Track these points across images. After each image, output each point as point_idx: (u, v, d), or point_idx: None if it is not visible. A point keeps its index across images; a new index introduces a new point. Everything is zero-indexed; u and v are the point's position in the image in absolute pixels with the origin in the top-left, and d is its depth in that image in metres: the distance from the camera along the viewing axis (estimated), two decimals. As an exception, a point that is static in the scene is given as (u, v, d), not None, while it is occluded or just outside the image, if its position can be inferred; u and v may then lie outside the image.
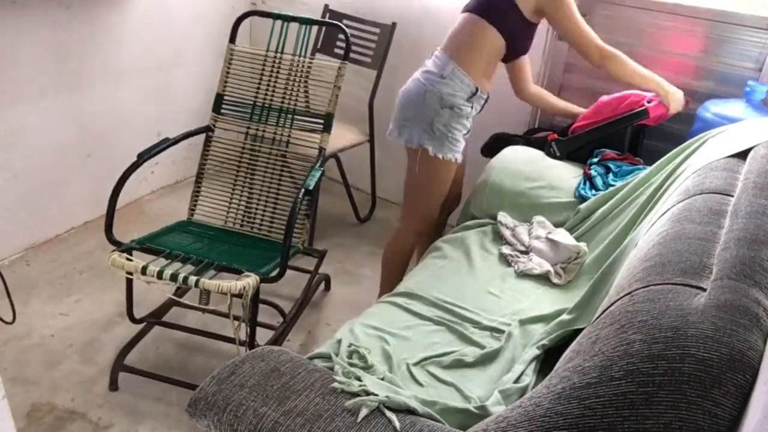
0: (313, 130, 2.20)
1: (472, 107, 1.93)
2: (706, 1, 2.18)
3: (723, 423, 0.79)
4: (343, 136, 2.69)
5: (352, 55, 2.82)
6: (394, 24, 2.70)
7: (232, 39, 2.25)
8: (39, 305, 2.29)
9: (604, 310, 1.10)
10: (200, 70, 3.11)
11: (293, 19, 2.22)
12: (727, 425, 0.79)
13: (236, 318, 1.90)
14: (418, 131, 1.92)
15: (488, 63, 1.92)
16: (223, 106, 2.24)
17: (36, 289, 2.36)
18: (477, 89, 1.91)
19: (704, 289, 0.98)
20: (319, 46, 2.90)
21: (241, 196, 2.26)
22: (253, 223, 2.24)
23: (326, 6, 2.87)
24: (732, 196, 1.31)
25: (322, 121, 2.18)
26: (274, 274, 1.84)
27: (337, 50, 2.86)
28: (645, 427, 0.80)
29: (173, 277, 1.75)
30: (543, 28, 2.43)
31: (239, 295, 1.76)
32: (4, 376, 1.96)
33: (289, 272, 2.00)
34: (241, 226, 2.24)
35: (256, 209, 2.25)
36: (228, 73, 2.23)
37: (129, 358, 2.05)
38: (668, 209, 1.39)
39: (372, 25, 2.76)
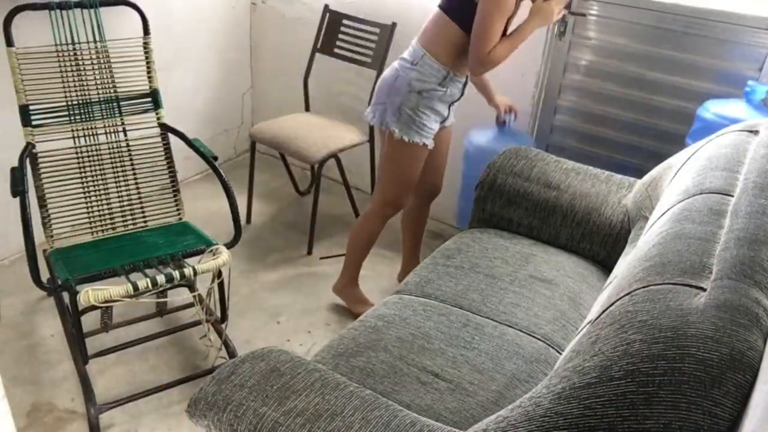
0: (145, 111, 2.17)
1: (446, 91, 2.00)
2: (706, 1, 2.18)
3: (723, 423, 0.79)
4: (343, 136, 2.69)
5: (352, 55, 2.83)
6: (394, 24, 2.70)
7: (9, 42, 1.97)
8: (39, 305, 2.29)
9: (604, 310, 1.10)
10: (202, 70, 3.11)
11: (66, 5, 2.03)
12: (726, 425, 0.79)
13: (200, 299, 2.08)
14: (388, 114, 2.03)
15: (456, 50, 1.95)
16: (33, 117, 2.01)
17: (36, 289, 2.36)
18: (448, 73, 1.97)
19: (704, 289, 0.98)
20: (319, 46, 2.89)
21: (100, 201, 2.11)
22: (129, 219, 2.15)
23: (326, 6, 2.87)
24: (732, 196, 1.31)
25: (150, 99, 2.17)
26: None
27: (337, 50, 2.86)
28: (645, 427, 0.80)
29: (153, 283, 1.74)
30: (543, 30, 2.43)
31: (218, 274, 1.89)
32: (4, 376, 1.96)
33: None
34: (125, 227, 2.13)
35: (126, 205, 2.15)
36: (22, 80, 1.97)
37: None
38: (668, 209, 1.39)
39: (372, 25, 2.76)
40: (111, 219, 2.13)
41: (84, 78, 2.09)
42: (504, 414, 0.97)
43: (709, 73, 2.23)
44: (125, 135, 2.16)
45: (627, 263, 1.30)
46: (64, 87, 2.07)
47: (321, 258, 2.68)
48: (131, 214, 2.16)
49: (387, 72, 2.07)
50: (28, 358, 2.06)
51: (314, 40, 2.90)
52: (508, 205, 2.03)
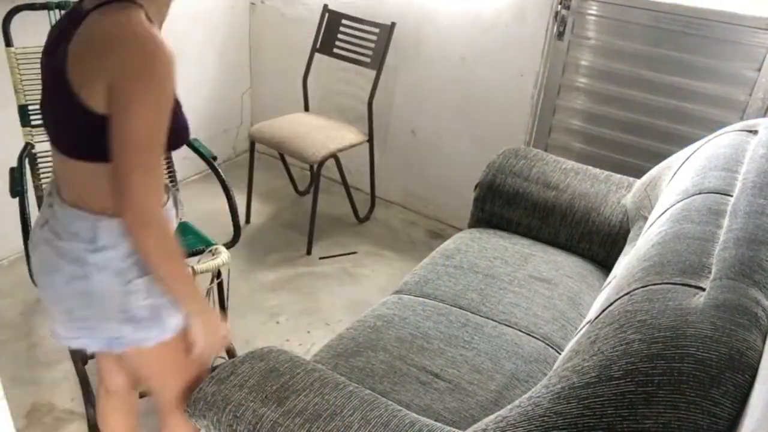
0: None
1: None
2: (705, 1, 2.18)
3: (722, 423, 0.79)
4: (342, 136, 2.69)
5: (351, 54, 2.83)
6: (393, 24, 2.70)
7: (8, 42, 1.97)
8: (38, 305, 2.29)
9: (604, 310, 1.10)
10: (201, 70, 3.11)
11: (66, 5, 2.02)
12: (726, 425, 0.79)
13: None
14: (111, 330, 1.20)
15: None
16: (32, 117, 2.00)
17: (35, 290, 2.35)
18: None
19: (703, 289, 0.98)
20: (318, 46, 2.89)
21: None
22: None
23: (325, 6, 2.87)
24: (731, 195, 1.31)
25: None
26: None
27: (336, 50, 2.85)
28: (644, 426, 0.80)
29: None
30: (542, 30, 2.43)
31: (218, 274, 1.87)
32: (3, 376, 1.96)
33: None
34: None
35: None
36: (21, 80, 1.97)
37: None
38: (667, 209, 1.39)
39: (371, 25, 2.76)
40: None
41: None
42: (503, 414, 0.97)
43: (708, 73, 2.23)
44: None
45: (626, 263, 1.30)
46: (63, 86, 2.07)
47: (320, 258, 2.68)
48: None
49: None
50: (28, 359, 2.06)
51: (313, 40, 2.90)
52: (508, 205, 2.03)
